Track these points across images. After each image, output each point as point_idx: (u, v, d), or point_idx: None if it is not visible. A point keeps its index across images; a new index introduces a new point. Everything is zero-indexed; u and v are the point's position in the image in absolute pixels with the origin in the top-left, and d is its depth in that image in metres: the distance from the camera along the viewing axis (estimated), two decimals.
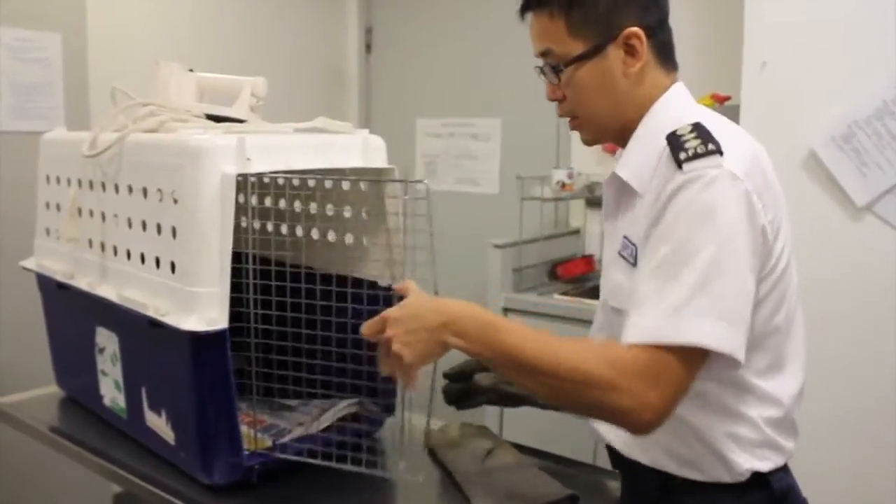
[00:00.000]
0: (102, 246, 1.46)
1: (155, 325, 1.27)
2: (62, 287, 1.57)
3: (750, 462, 1.16)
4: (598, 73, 1.21)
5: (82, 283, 1.49)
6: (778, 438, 1.19)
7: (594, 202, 3.29)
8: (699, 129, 1.12)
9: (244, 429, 1.36)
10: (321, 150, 1.40)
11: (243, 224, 1.57)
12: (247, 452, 1.31)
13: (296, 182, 1.68)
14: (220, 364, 1.24)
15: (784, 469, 1.21)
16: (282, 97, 1.80)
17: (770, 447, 1.18)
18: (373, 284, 1.52)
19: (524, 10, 1.26)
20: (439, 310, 1.13)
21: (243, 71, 1.58)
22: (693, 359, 1.06)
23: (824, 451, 1.31)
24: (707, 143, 1.09)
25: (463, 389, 1.51)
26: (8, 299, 2.36)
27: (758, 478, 1.17)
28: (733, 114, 2.29)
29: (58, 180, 1.60)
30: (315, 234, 1.66)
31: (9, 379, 2.17)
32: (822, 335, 1.90)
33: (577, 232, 3.34)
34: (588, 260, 3.20)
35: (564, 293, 2.93)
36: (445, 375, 1.52)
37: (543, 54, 1.24)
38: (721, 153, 1.08)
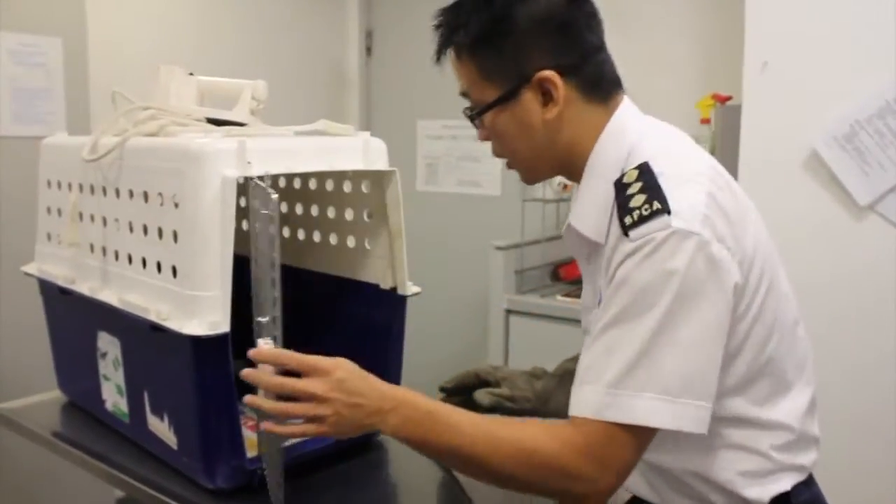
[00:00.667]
0: (104, 250, 1.46)
1: (156, 329, 1.26)
2: (63, 292, 1.56)
3: (767, 491, 1.13)
4: (515, 119, 1.15)
5: (83, 287, 1.49)
6: (794, 460, 1.15)
7: None
8: (645, 178, 1.05)
9: (246, 432, 1.36)
10: (322, 153, 1.40)
11: (244, 227, 1.58)
12: (249, 456, 1.31)
13: (297, 185, 1.68)
14: (222, 368, 1.24)
15: (806, 482, 1.17)
16: (283, 100, 1.80)
17: (786, 470, 1.15)
18: (374, 287, 1.52)
19: (439, 52, 1.22)
20: (384, 395, 1.08)
21: (244, 74, 1.58)
22: (640, 433, 1.02)
23: (829, 453, 1.30)
24: (652, 201, 1.02)
25: (459, 405, 1.49)
26: (9, 304, 2.36)
27: (779, 498, 1.14)
28: (735, 114, 2.30)
29: (58, 185, 1.60)
30: (316, 236, 1.66)
31: (11, 384, 2.17)
32: (824, 335, 1.90)
33: None
34: None
35: (567, 294, 2.93)
36: (442, 389, 1.49)
37: (464, 95, 1.21)
38: (668, 211, 1.01)
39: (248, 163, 1.24)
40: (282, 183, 1.70)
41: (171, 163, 1.28)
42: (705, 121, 2.65)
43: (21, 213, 1.91)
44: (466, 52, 1.17)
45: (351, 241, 1.58)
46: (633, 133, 1.15)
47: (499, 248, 2.94)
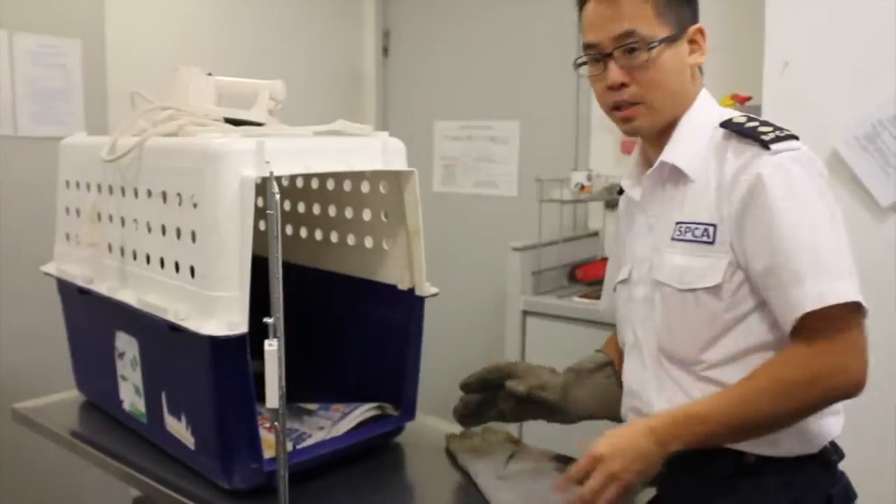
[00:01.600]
0: (122, 250, 1.46)
1: (175, 329, 1.26)
2: (82, 292, 1.57)
3: (821, 429, 1.21)
4: (677, 58, 1.28)
5: (102, 287, 1.49)
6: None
7: (613, 204, 3.26)
8: (756, 120, 1.23)
9: (264, 433, 1.36)
10: (340, 153, 1.39)
11: (262, 227, 1.57)
12: (267, 457, 1.31)
13: (314, 185, 1.68)
14: (240, 368, 1.24)
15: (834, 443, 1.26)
16: (300, 100, 1.79)
17: (832, 411, 1.21)
18: (392, 288, 1.52)
19: None
20: (642, 430, 1.16)
21: (262, 75, 1.58)
22: (860, 313, 1.14)
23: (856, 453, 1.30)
24: (781, 129, 1.20)
25: (483, 402, 1.50)
26: (29, 304, 2.37)
27: (829, 446, 1.23)
28: (755, 114, 2.28)
29: (77, 185, 1.61)
30: (334, 237, 1.66)
31: (29, 383, 2.18)
32: None
33: (595, 234, 3.32)
34: (607, 262, 3.18)
35: (584, 296, 2.91)
36: (464, 386, 1.49)
37: (625, 35, 1.26)
38: (797, 137, 1.20)
39: (267, 163, 1.23)
40: (299, 183, 1.70)
41: (189, 163, 1.28)
42: None
43: (40, 213, 1.92)
44: None
45: (369, 242, 1.57)
46: (715, 104, 1.34)
47: (516, 249, 2.93)
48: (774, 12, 2.19)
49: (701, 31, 1.31)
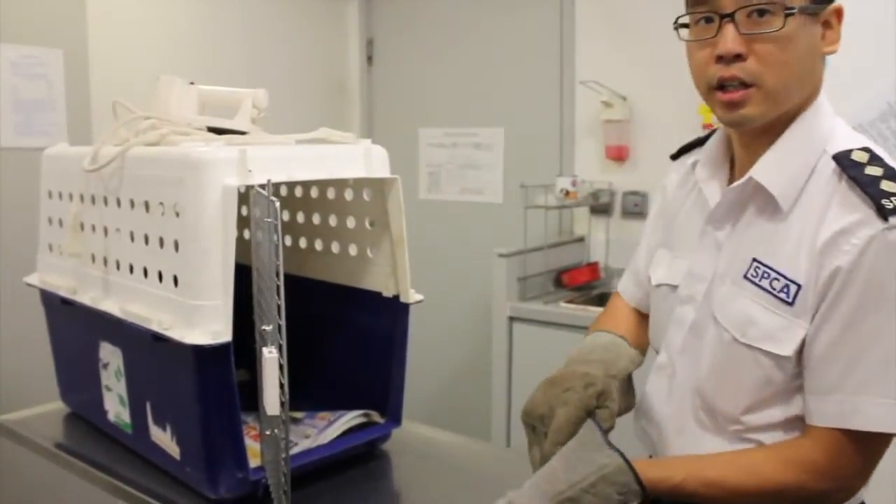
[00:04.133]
0: (105, 260, 1.46)
1: (158, 339, 1.26)
2: (65, 302, 1.56)
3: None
4: (812, 38, 1.05)
5: (85, 298, 1.49)
6: None
7: (598, 209, 3.28)
8: (880, 163, 1.01)
9: (249, 442, 1.35)
10: (323, 161, 1.39)
11: (246, 236, 1.57)
12: (252, 466, 1.31)
13: (298, 193, 1.68)
14: (224, 377, 1.23)
15: None
16: (284, 109, 1.79)
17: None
18: (377, 295, 1.52)
19: None
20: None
21: (245, 84, 1.58)
22: (881, 440, 1.01)
23: None
24: None
25: None
26: (12, 315, 2.36)
27: None
28: None
29: (60, 195, 1.60)
30: (318, 245, 1.66)
31: (13, 395, 2.17)
32: None
33: (581, 239, 3.33)
34: (593, 267, 3.19)
35: (570, 301, 2.92)
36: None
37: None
38: None
39: (249, 171, 1.23)
40: (283, 191, 1.70)
41: (172, 172, 1.27)
42: (708, 126, 2.64)
43: (23, 223, 1.91)
44: None
45: (353, 250, 1.57)
46: (832, 114, 1.11)
47: (501, 256, 2.94)
48: None
49: (838, 13, 1.06)
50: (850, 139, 1.06)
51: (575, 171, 3.31)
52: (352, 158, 1.42)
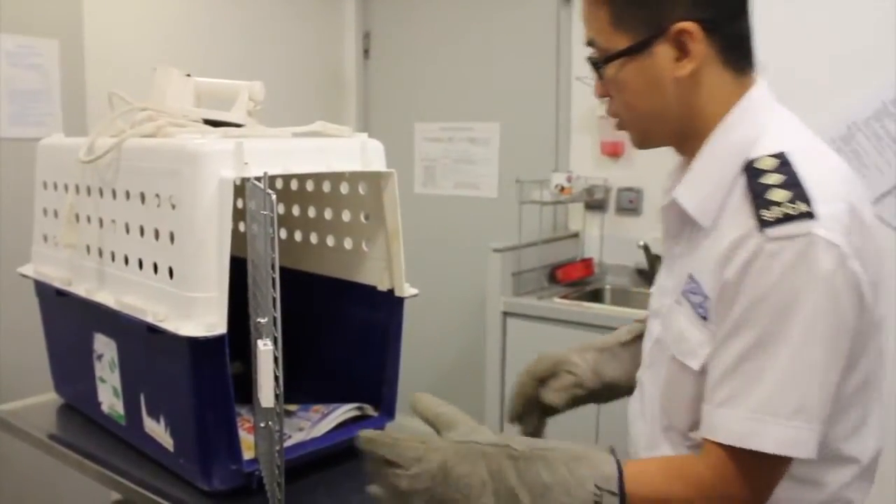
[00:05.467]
0: (100, 252, 1.46)
1: (153, 330, 1.26)
2: (60, 294, 1.56)
3: None
4: (644, 73, 1.05)
5: (80, 289, 1.49)
6: (849, 494, 1.06)
7: (593, 205, 3.29)
8: (786, 171, 0.96)
9: (243, 434, 1.36)
10: (319, 154, 1.39)
11: (241, 229, 1.57)
12: (246, 458, 1.31)
13: (294, 186, 1.68)
14: (218, 370, 1.23)
15: None
16: (280, 102, 1.79)
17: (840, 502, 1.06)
18: (371, 289, 1.52)
19: None
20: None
21: (241, 76, 1.58)
22: (779, 461, 0.96)
23: None
24: (797, 201, 0.93)
25: (537, 424, 1.39)
26: (6, 306, 2.35)
27: None
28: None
29: (55, 186, 1.60)
30: (313, 238, 1.66)
31: (7, 386, 2.17)
32: None
33: (576, 235, 3.34)
34: (587, 263, 3.20)
35: (564, 297, 2.92)
36: (515, 420, 1.41)
37: (589, 44, 1.09)
38: (812, 216, 0.92)
39: (246, 164, 1.23)
40: (279, 184, 1.70)
41: (167, 164, 1.27)
42: None
43: (18, 214, 1.91)
44: None
45: (348, 243, 1.58)
46: (767, 118, 1.06)
47: (496, 251, 2.94)
48: (749, 14, 2.22)
49: (687, 31, 1.02)
50: (775, 143, 1.01)
51: (570, 166, 3.31)
52: (348, 152, 1.42)
